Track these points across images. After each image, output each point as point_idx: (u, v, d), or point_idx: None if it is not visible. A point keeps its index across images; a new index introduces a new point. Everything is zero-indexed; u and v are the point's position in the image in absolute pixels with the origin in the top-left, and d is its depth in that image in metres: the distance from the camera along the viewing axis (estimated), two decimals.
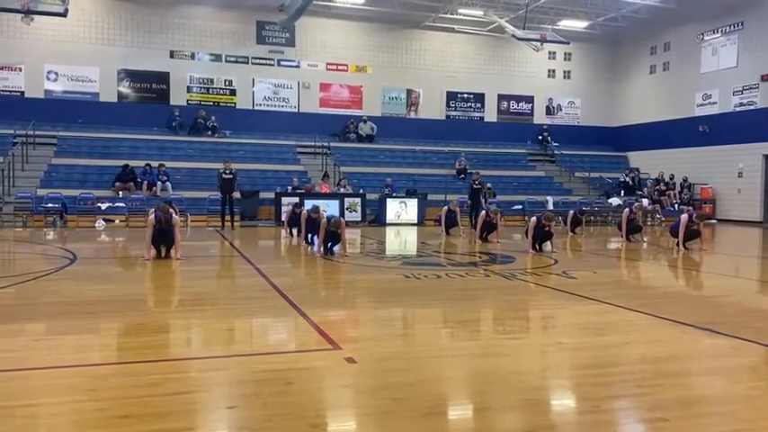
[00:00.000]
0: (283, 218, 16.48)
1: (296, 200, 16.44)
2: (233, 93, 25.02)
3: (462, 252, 12.33)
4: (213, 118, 23.79)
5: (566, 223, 16.69)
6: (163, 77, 24.20)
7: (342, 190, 20.61)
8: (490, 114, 28.11)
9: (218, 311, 6.24)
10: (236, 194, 17.65)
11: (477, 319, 6.24)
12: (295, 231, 14.07)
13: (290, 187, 19.89)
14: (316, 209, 11.72)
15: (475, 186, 18.45)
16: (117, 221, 18.09)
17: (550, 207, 21.01)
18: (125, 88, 23.95)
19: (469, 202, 18.55)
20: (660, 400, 3.65)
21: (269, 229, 17.89)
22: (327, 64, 25.82)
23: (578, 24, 26.43)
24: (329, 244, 10.72)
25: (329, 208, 16.61)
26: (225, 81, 24.87)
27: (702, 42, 25.02)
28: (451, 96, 27.54)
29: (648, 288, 8.53)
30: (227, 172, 16.90)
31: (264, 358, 4.46)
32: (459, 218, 15.96)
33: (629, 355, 4.70)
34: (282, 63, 25.36)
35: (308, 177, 21.97)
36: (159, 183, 19.91)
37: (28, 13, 17.97)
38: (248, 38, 24.90)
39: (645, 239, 14.66)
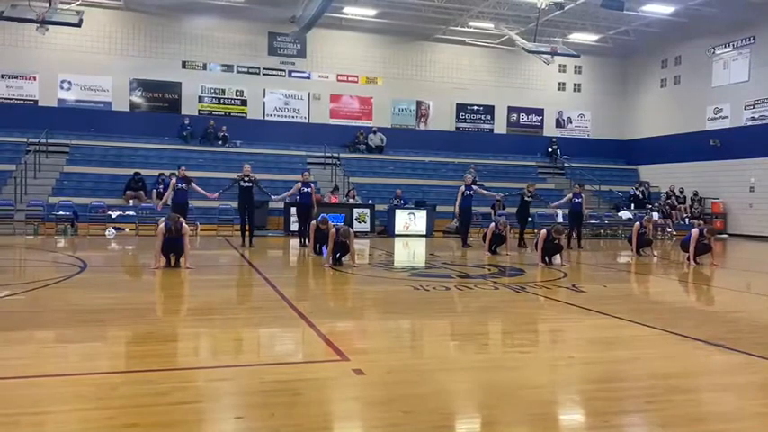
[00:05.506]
0: (293, 228, 16.51)
1: None
2: (244, 103, 25.18)
3: (472, 264, 12.29)
4: (224, 128, 23.94)
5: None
6: (175, 87, 24.40)
7: (351, 201, 20.64)
8: (500, 126, 28.13)
9: (227, 321, 6.24)
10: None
11: (486, 332, 6.20)
12: (306, 241, 14.09)
13: (298, 197, 19.86)
14: (324, 220, 11.73)
15: (526, 198, 16.66)
16: (127, 230, 18.18)
17: (560, 220, 20.92)
18: (137, 98, 24.15)
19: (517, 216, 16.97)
20: (670, 416, 3.61)
21: (278, 238, 17.92)
22: (338, 75, 25.95)
23: (589, 38, 26.45)
24: (338, 254, 10.72)
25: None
26: (236, 91, 25.04)
27: (714, 56, 24.96)
28: (461, 108, 27.58)
29: (659, 303, 8.46)
30: (246, 179, 14.55)
31: (272, 368, 4.44)
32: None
33: (640, 370, 4.66)
34: (293, 74, 25.52)
35: (318, 188, 22.00)
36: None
37: (43, 23, 18.17)
38: (260, 49, 25.08)
39: (655, 254, 14.56)
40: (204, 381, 4.20)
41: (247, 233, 14.69)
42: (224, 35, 24.61)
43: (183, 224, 9.83)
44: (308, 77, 25.70)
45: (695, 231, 12.56)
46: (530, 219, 17.28)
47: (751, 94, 23.56)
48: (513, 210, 17.72)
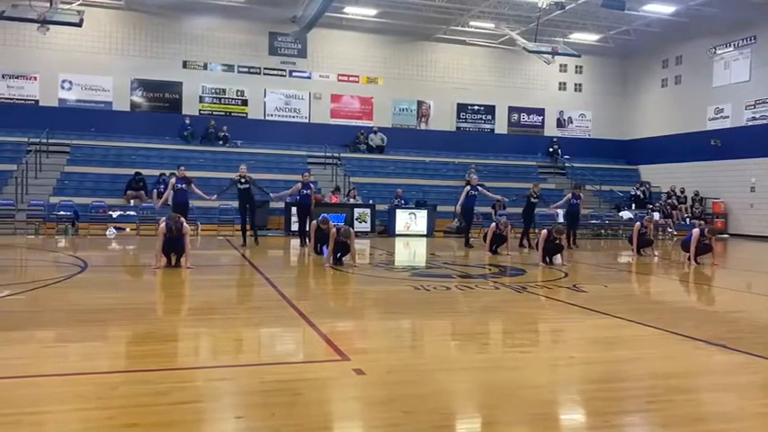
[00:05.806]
0: (294, 228, 16.54)
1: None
2: (245, 103, 25.18)
3: (472, 264, 12.28)
4: (225, 128, 23.94)
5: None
6: (175, 87, 24.40)
7: (351, 200, 20.64)
8: (501, 126, 28.12)
9: (227, 321, 6.24)
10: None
11: (486, 332, 6.20)
12: (307, 241, 14.10)
13: (298, 197, 19.87)
14: (324, 220, 11.73)
15: (532, 200, 16.38)
16: (128, 230, 18.17)
17: (561, 220, 20.90)
18: (138, 98, 24.16)
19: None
20: (671, 416, 3.60)
21: (279, 238, 17.92)
22: (339, 75, 25.95)
23: (590, 37, 26.44)
24: (338, 254, 10.72)
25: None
26: (237, 91, 25.04)
27: (714, 56, 24.94)
28: (462, 108, 27.58)
29: (660, 303, 8.46)
30: (243, 181, 14.70)
31: (272, 368, 4.44)
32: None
33: (640, 370, 4.65)
34: (294, 74, 25.52)
35: (319, 188, 22.00)
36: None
37: (44, 23, 18.17)
38: (261, 49, 25.08)
39: (656, 254, 14.55)
40: (204, 380, 4.20)
41: (250, 232, 14.93)
42: (225, 35, 24.61)
43: (184, 224, 9.83)
44: (309, 77, 25.70)
45: (696, 231, 12.55)
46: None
47: (752, 94, 23.54)
48: (519, 210, 17.71)
